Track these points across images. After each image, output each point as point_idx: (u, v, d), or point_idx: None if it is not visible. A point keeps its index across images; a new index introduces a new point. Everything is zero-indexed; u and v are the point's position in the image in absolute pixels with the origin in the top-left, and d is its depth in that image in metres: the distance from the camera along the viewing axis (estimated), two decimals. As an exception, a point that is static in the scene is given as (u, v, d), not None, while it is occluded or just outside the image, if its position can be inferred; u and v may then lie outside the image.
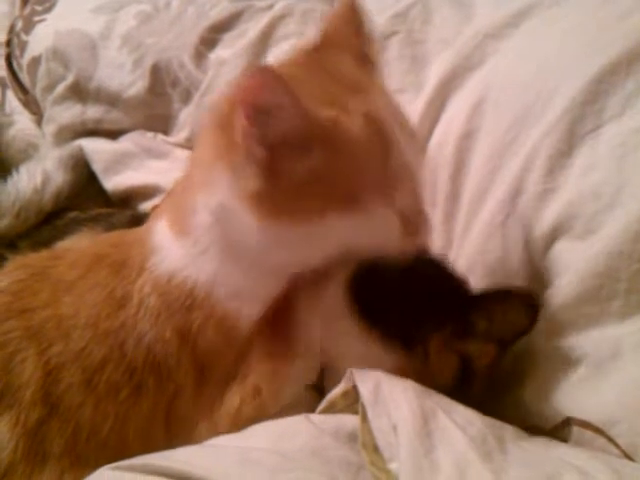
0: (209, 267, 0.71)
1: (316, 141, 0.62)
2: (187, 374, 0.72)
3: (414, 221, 0.71)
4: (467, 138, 0.93)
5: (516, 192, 0.84)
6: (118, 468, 0.59)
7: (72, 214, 1.21)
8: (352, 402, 0.67)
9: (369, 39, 0.77)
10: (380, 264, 0.73)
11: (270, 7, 1.27)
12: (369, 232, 0.67)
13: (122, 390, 0.70)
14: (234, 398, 0.72)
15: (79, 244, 0.95)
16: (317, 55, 0.73)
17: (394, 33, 1.11)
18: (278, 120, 0.60)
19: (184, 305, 0.71)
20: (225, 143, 0.65)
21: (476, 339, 0.75)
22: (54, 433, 0.69)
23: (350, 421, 0.65)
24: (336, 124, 0.63)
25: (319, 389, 0.76)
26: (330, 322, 0.75)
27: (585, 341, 0.71)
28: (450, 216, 0.93)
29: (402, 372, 0.71)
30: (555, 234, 0.78)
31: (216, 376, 0.73)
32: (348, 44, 0.74)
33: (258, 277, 0.71)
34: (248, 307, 0.72)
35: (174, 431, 0.72)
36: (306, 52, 0.74)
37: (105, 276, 0.74)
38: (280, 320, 0.75)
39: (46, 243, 1.03)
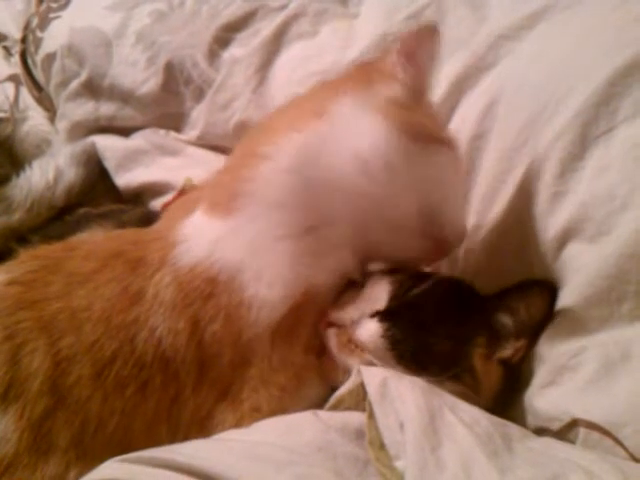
0: (241, 244, 0.73)
1: None
2: (189, 372, 0.72)
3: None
4: (479, 139, 0.93)
5: (528, 194, 0.84)
6: (125, 460, 0.59)
7: (83, 210, 1.21)
8: (360, 399, 0.68)
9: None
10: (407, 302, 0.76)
11: (283, 7, 1.27)
12: None
13: (129, 386, 0.70)
14: (228, 417, 0.72)
15: (93, 238, 0.95)
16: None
17: (408, 34, 1.11)
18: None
19: (203, 294, 0.72)
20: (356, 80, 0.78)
21: (508, 340, 0.76)
22: (60, 425, 0.69)
23: (357, 418, 0.65)
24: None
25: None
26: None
27: (594, 343, 0.71)
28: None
29: (459, 396, 0.70)
30: (567, 236, 0.78)
31: (212, 380, 0.73)
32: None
33: (295, 252, 0.73)
34: (265, 294, 0.72)
35: (175, 434, 0.72)
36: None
37: (122, 272, 0.75)
38: (297, 340, 0.75)
39: (57, 238, 1.03)
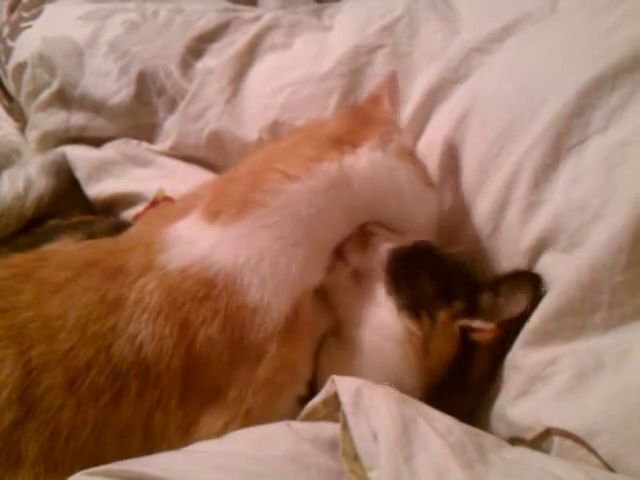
0: (249, 249, 0.75)
1: None
2: (174, 379, 0.71)
3: None
4: (452, 150, 0.94)
5: (502, 205, 0.84)
6: (95, 474, 0.58)
7: (52, 222, 1.19)
8: (333, 410, 0.67)
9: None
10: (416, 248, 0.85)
11: (257, 18, 1.27)
12: None
13: (103, 395, 0.69)
14: (217, 421, 0.71)
15: (66, 247, 0.95)
16: None
17: (381, 46, 1.12)
18: None
19: (196, 296, 0.72)
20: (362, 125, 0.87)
21: (479, 317, 0.80)
22: (30, 436, 0.68)
23: (331, 428, 0.65)
24: None
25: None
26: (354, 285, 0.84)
27: (568, 352, 0.71)
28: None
29: (410, 336, 0.77)
30: (541, 247, 0.79)
31: (201, 385, 0.72)
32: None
33: (305, 259, 0.77)
34: (272, 299, 0.73)
35: (150, 443, 0.70)
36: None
37: (98, 280, 0.74)
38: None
39: (27, 249, 1.02)
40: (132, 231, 0.89)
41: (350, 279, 0.84)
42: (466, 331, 0.79)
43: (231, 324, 0.72)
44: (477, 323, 0.79)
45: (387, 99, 0.91)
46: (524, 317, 0.77)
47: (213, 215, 0.78)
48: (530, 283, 0.79)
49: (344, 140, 0.84)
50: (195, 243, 0.76)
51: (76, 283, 0.74)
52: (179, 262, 0.74)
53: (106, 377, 0.69)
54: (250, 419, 0.71)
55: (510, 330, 0.78)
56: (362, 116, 0.90)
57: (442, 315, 0.79)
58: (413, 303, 0.79)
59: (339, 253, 0.83)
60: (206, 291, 0.72)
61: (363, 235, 0.85)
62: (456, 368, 0.78)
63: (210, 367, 0.72)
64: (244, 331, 0.72)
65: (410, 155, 0.88)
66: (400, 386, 0.72)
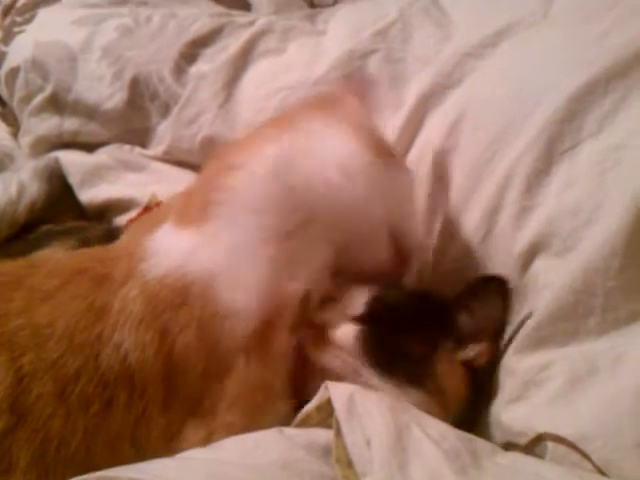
0: (217, 252, 0.73)
1: None
2: (157, 387, 0.70)
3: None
4: (445, 155, 0.93)
5: (494, 210, 0.84)
6: (87, 480, 0.58)
7: (45, 227, 1.19)
8: (326, 416, 0.67)
9: None
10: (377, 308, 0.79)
11: (251, 23, 1.27)
12: None
13: (93, 404, 0.69)
14: (199, 432, 0.71)
15: (56, 255, 0.94)
16: None
17: (374, 51, 1.12)
18: None
19: (173, 304, 0.71)
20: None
21: (469, 341, 0.78)
22: (21, 444, 0.67)
23: (324, 435, 0.65)
24: None
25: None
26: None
27: (562, 357, 0.71)
28: (429, 233, 0.93)
29: (427, 406, 0.72)
30: (534, 251, 0.79)
31: (182, 394, 0.71)
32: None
33: (272, 258, 0.74)
34: (242, 303, 0.72)
35: (139, 452, 0.70)
36: None
37: (86, 288, 0.74)
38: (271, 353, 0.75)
39: (19, 255, 1.01)
40: (121, 239, 0.89)
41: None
42: (466, 362, 0.78)
43: (205, 332, 0.71)
44: (471, 350, 0.78)
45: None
46: (506, 316, 0.78)
47: (183, 223, 0.77)
48: (497, 287, 0.79)
49: (291, 122, 0.81)
50: (170, 251, 0.75)
51: (65, 291, 0.74)
52: (158, 270, 0.74)
53: (95, 386, 0.69)
54: (235, 431, 0.70)
55: (500, 336, 0.78)
56: (323, 102, 0.88)
57: (440, 366, 0.76)
58: (410, 374, 0.75)
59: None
60: (182, 299, 0.72)
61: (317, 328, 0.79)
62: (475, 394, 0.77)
63: (188, 376, 0.71)
64: (216, 340, 0.72)
65: (361, 127, 0.82)
66: None
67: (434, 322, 0.79)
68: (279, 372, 0.75)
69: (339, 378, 0.74)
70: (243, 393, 0.72)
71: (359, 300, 0.80)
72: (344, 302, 0.80)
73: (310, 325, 0.78)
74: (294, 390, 0.76)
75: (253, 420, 0.72)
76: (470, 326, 0.79)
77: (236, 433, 0.69)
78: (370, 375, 0.75)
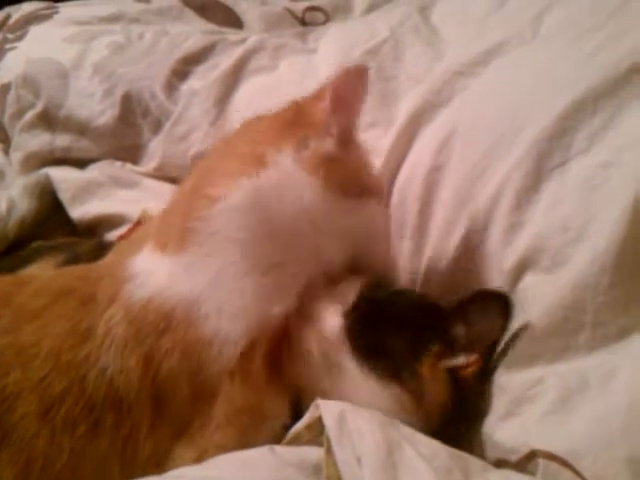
0: (200, 278, 0.73)
1: None
2: (144, 410, 0.70)
3: None
4: (435, 172, 0.94)
5: (484, 226, 0.84)
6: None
7: (35, 244, 1.19)
8: (317, 434, 0.66)
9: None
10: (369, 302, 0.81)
11: (243, 41, 1.28)
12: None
13: (79, 426, 0.69)
14: (187, 453, 0.71)
15: (44, 273, 0.94)
16: None
17: (365, 69, 1.12)
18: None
19: (157, 329, 0.71)
20: (291, 128, 0.83)
21: (460, 351, 0.78)
22: (5, 464, 0.67)
23: (315, 453, 0.64)
24: None
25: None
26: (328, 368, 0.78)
27: (552, 373, 0.71)
28: (418, 249, 0.93)
29: (402, 403, 0.74)
30: (523, 267, 0.79)
31: (169, 416, 0.71)
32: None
33: (257, 286, 0.75)
34: (228, 329, 0.72)
35: (128, 473, 0.70)
36: None
37: (72, 308, 0.74)
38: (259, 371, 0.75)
39: (8, 272, 1.01)
40: (107, 257, 0.89)
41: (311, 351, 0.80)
42: (452, 370, 0.77)
43: (189, 357, 0.71)
44: (460, 359, 0.77)
45: (349, 96, 0.85)
46: (501, 335, 0.77)
47: (162, 246, 0.77)
48: (499, 303, 0.78)
49: (262, 151, 0.80)
50: (152, 275, 0.75)
51: (51, 311, 0.74)
52: (141, 295, 0.74)
53: (81, 409, 0.69)
54: (226, 451, 0.69)
55: (492, 352, 0.78)
56: (294, 116, 0.87)
57: (424, 368, 0.76)
58: (390, 368, 0.76)
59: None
60: (166, 323, 0.72)
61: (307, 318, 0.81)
62: (453, 402, 0.77)
63: (174, 400, 0.71)
64: (201, 365, 0.71)
65: (329, 163, 0.82)
66: None
67: (425, 325, 0.80)
68: (273, 400, 0.76)
69: (322, 367, 0.77)
70: (231, 415, 0.72)
71: (350, 294, 0.82)
72: (335, 295, 0.82)
73: (301, 315, 0.80)
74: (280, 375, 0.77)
75: (245, 441, 0.71)
76: (464, 337, 0.79)
77: (228, 452, 0.68)
78: (352, 366, 0.77)
